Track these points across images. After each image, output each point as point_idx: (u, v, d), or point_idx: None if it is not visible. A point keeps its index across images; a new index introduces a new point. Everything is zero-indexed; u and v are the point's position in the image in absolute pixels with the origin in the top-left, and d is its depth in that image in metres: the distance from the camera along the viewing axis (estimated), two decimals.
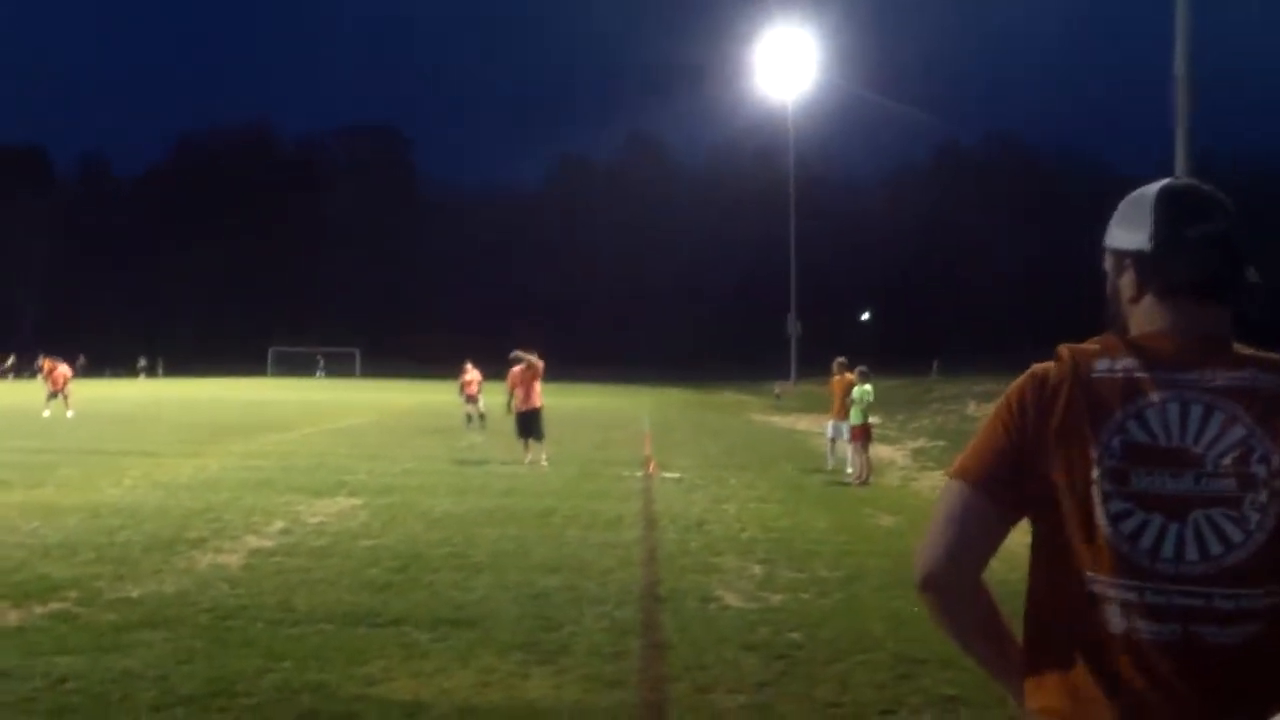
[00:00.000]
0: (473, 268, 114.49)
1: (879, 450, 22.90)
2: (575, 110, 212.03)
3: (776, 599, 9.61)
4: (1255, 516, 1.95)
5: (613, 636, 8.05)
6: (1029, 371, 2.20)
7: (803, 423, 37.63)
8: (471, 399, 31.53)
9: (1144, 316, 2.16)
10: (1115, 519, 2.00)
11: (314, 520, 13.63)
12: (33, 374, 74.32)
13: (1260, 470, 1.97)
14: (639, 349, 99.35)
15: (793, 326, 72.53)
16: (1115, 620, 1.99)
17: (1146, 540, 1.98)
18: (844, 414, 20.75)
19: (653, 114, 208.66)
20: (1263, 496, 1.96)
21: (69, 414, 33.72)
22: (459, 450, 24.18)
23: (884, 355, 56.24)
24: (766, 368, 75.64)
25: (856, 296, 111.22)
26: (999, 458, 2.14)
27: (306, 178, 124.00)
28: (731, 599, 9.58)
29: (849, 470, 20.20)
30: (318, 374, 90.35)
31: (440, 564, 10.81)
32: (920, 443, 29.47)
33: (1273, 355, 2.10)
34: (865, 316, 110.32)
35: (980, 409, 37.15)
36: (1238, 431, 1.99)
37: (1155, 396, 2.04)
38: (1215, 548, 1.96)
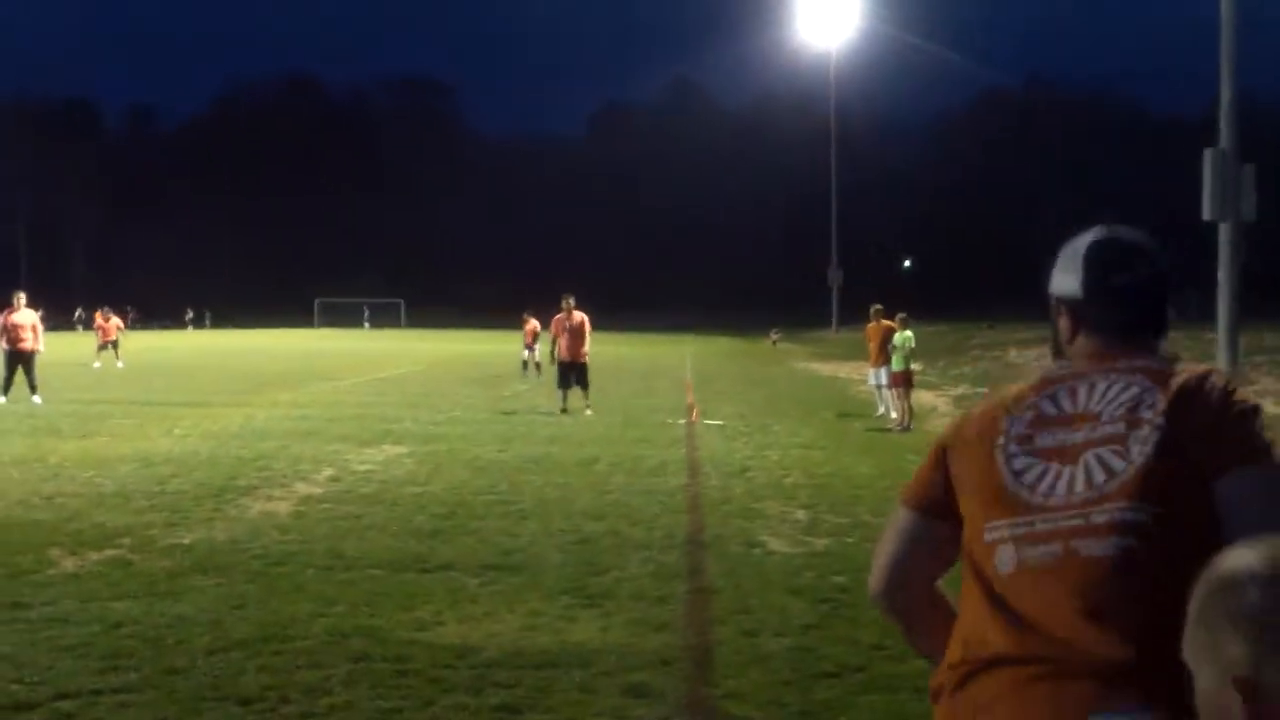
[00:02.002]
0: (517, 217, 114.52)
1: (920, 396, 22.84)
2: (618, 58, 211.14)
3: (820, 544, 9.66)
4: (1137, 447, 2.12)
5: (658, 581, 8.12)
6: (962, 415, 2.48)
7: (844, 370, 37.53)
8: (529, 347, 32.08)
9: (1078, 354, 2.38)
10: (1017, 473, 2.19)
11: (361, 468, 13.78)
12: (89, 325, 75.32)
13: (1147, 413, 2.15)
14: (682, 297, 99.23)
15: (834, 276, 72.23)
16: (1008, 559, 2.13)
17: (1043, 484, 2.16)
18: (883, 360, 20.73)
19: (695, 61, 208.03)
20: (1145, 431, 2.13)
21: (119, 364, 34.25)
22: (503, 399, 24.31)
23: (926, 302, 55.99)
24: (809, 315, 75.40)
25: (898, 244, 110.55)
26: (933, 483, 2.34)
27: (350, 129, 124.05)
28: (776, 544, 9.63)
29: (892, 416, 20.19)
30: (364, 324, 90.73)
31: (486, 511, 10.93)
32: (962, 389, 29.37)
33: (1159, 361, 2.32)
34: (907, 264, 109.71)
35: (1021, 355, 36.96)
36: (1133, 390, 2.20)
37: (1069, 381, 2.28)
38: (1099, 477, 2.12)
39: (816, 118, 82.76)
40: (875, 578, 2.40)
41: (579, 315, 21.73)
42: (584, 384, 21.37)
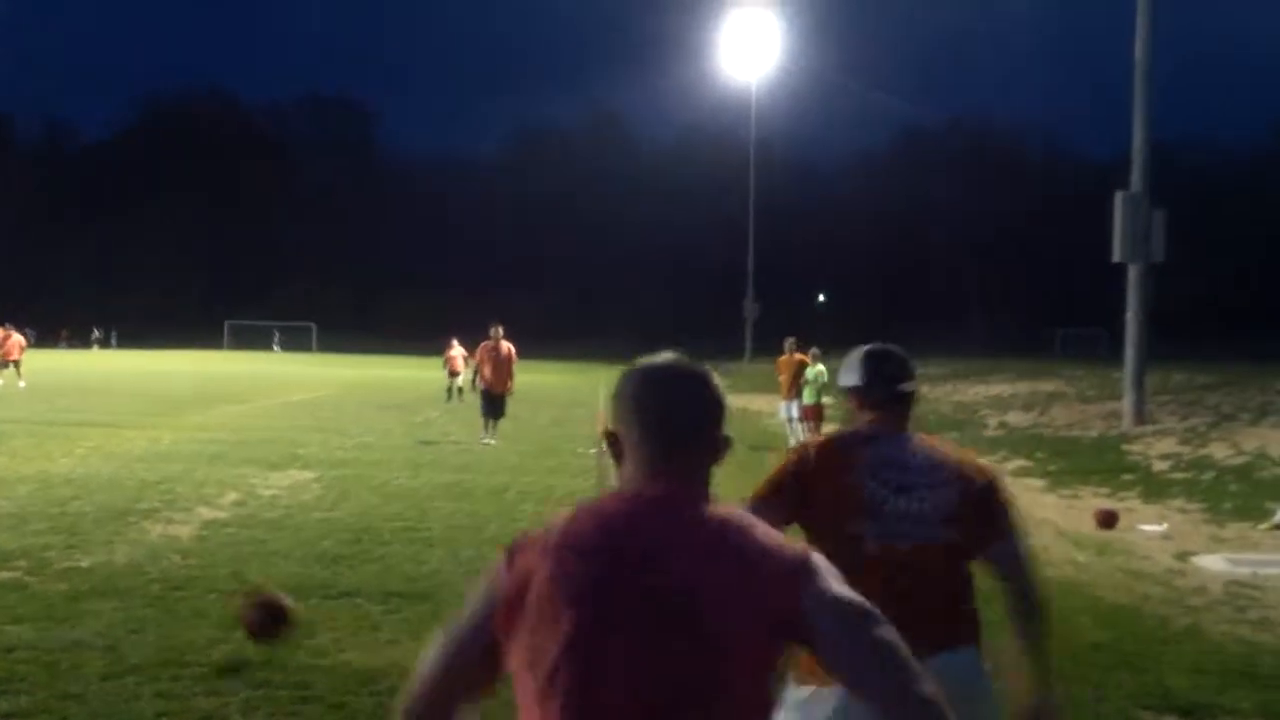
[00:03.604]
0: (435, 241, 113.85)
1: (831, 430, 23.04)
2: (536, 83, 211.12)
3: None
4: (935, 495, 3.56)
5: None
6: (795, 451, 3.87)
7: (756, 402, 37.72)
8: (454, 374, 32.28)
9: (860, 417, 3.80)
10: (874, 496, 3.53)
11: (267, 492, 13.62)
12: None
13: (948, 480, 3.59)
14: (600, 325, 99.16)
15: (749, 309, 72.68)
16: (871, 546, 3.45)
17: (888, 504, 3.52)
18: (794, 394, 20.90)
19: (615, 89, 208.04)
20: (938, 486, 3.58)
21: (21, 384, 33.44)
22: (416, 425, 24.15)
23: (840, 338, 56.39)
24: (723, 347, 75.78)
25: (815, 279, 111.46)
26: (791, 481, 3.64)
27: (265, 149, 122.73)
28: None
29: None
30: (274, 348, 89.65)
31: (393, 537, 10.84)
32: None
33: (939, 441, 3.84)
34: (821, 298, 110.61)
35: (933, 391, 37.41)
36: (935, 462, 3.64)
37: (888, 442, 3.65)
38: (915, 505, 3.52)
39: (737, 151, 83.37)
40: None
41: (506, 345, 21.41)
42: (499, 414, 21.23)
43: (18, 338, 36.08)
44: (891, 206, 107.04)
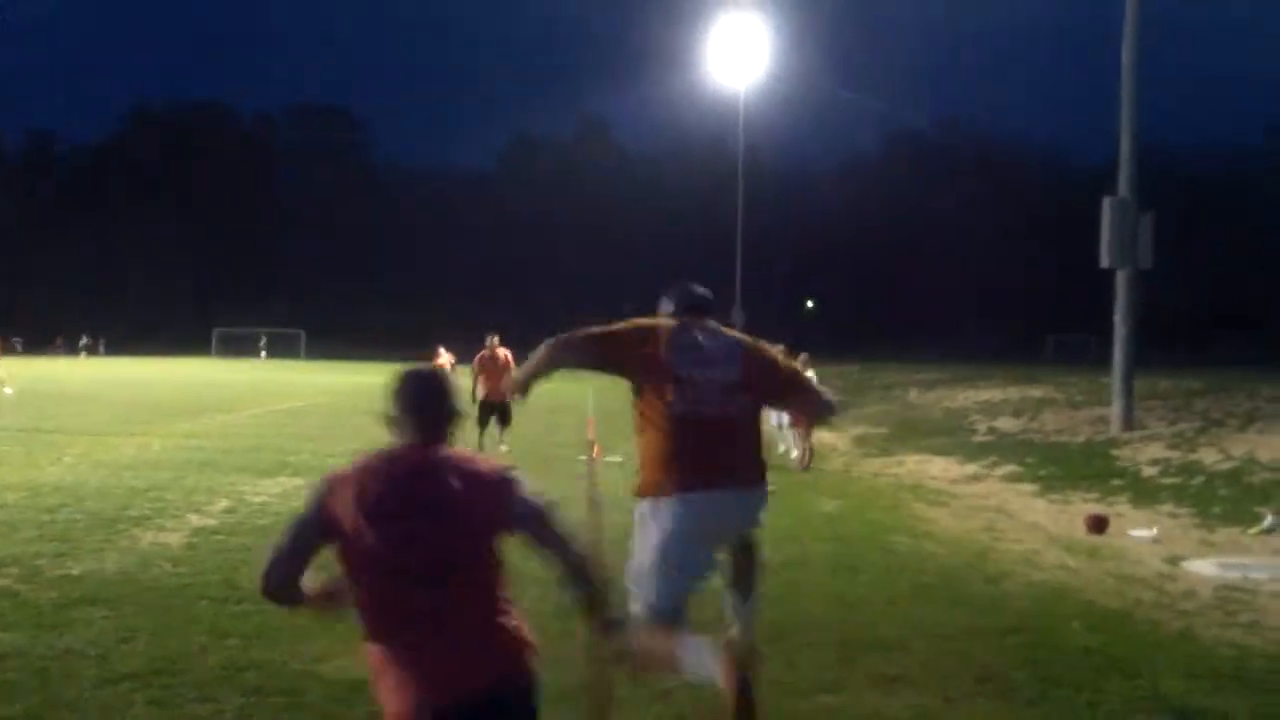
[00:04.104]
0: (424, 249, 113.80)
1: (821, 436, 23.04)
2: (526, 92, 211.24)
3: (720, 582, 9.67)
4: (729, 367, 5.15)
5: (558, 618, 8.05)
6: (653, 321, 5.42)
7: None
8: None
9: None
10: (682, 364, 5.08)
11: (257, 500, 13.60)
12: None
13: (734, 352, 5.26)
14: None
15: (737, 315, 72.77)
16: (686, 407, 5.02)
17: (694, 371, 5.04)
18: None
19: (604, 99, 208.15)
20: (731, 359, 5.22)
21: (7, 391, 33.14)
22: None
23: (829, 344, 56.46)
24: None
25: (803, 285, 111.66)
26: (615, 340, 5.28)
27: (256, 158, 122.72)
28: None
29: (792, 455, 20.35)
30: (260, 354, 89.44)
31: None
32: (861, 429, 29.70)
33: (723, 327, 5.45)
34: (810, 304, 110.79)
35: (921, 397, 37.46)
36: (725, 341, 5.32)
37: (691, 329, 5.24)
38: (717, 374, 5.08)
39: (724, 158, 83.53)
40: (552, 354, 5.52)
41: (503, 353, 20.90)
42: (506, 421, 20.89)
43: None
44: (880, 213, 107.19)
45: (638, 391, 5.21)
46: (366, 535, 3.38)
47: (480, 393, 20.78)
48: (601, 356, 5.29)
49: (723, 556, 5.50)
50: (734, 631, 5.42)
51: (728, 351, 5.21)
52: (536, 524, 3.57)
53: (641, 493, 5.16)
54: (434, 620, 3.42)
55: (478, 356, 21.30)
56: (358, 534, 3.39)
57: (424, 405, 3.65)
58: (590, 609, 3.89)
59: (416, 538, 3.38)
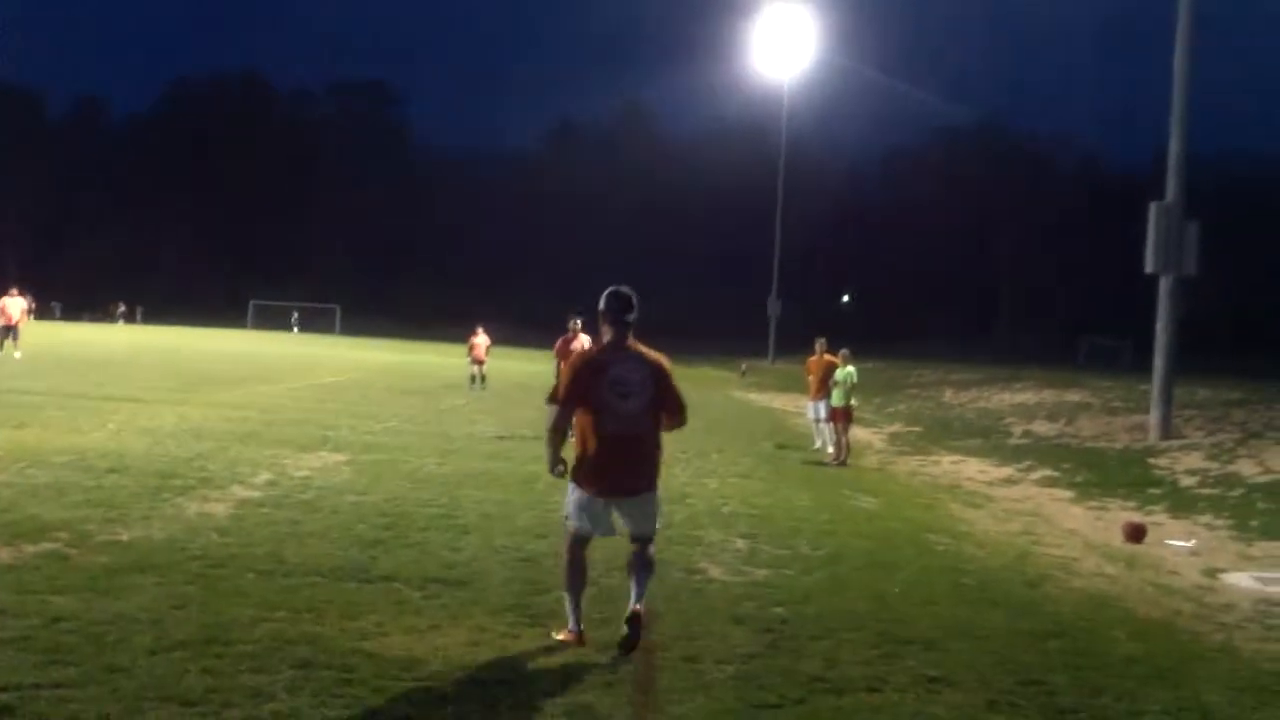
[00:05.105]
0: (459, 229, 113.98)
1: (856, 433, 23.03)
2: (569, 76, 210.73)
3: (760, 574, 9.74)
4: (642, 395, 7.16)
5: (600, 604, 8.12)
6: (581, 356, 7.70)
7: (779, 401, 37.78)
8: (479, 361, 32.07)
9: (605, 333, 7.35)
10: (609, 399, 7.10)
11: (299, 474, 13.70)
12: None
13: (648, 381, 7.19)
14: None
15: (773, 307, 72.66)
16: (607, 429, 7.11)
17: (617, 404, 7.10)
18: (822, 394, 20.89)
19: (649, 84, 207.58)
20: (644, 387, 7.19)
21: (16, 355, 32.27)
22: (442, 413, 24.24)
23: (863, 338, 56.23)
24: (746, 344, 75.72)
25: (841, 279, 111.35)
26: (575, 389, 7.19)
27: (296, 131, 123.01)
28: (715, 572, 9.71)
29: (829, 450, 20.35)
30: (293, 328, 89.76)
31: (427, 523, 10.90)
32: (896, 427, 29.69)
33: (644, 347, 7.36)
34: (845, 298, 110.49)
35: (956, 396, 37.38)
36: (643, 370, 7.21)
37: (619, 363, 7.20)
38: (632, 405, 7.13)
39: (767, 148, 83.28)
40: (553, 422, 7.33)
41: (584, 339, 20.02)
42: None
43: (18, 301, 34.50)
44: (920, 208, 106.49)
45: (583, 409, 7.23)
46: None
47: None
48: (576, 399, 7.19)
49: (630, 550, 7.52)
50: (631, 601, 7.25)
51: (641, 381, 7.17)
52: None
53: (580, 482, 7.28)
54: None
55: (560, 339, 20.94)
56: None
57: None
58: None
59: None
